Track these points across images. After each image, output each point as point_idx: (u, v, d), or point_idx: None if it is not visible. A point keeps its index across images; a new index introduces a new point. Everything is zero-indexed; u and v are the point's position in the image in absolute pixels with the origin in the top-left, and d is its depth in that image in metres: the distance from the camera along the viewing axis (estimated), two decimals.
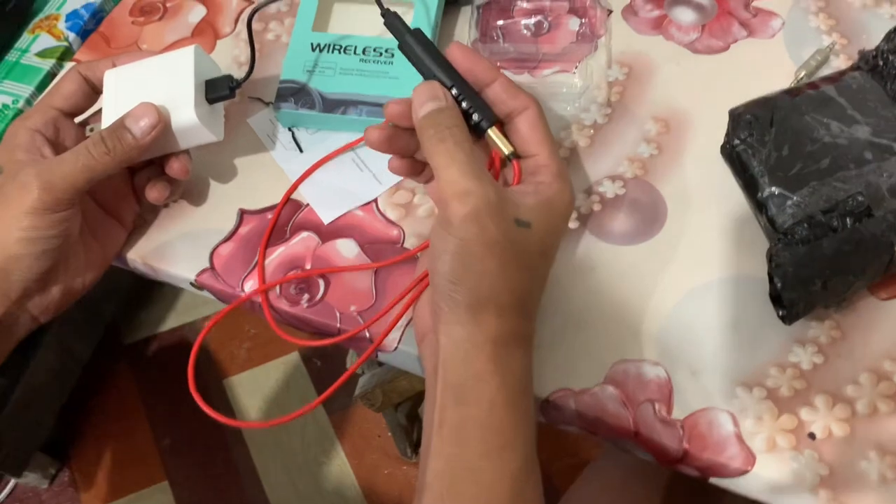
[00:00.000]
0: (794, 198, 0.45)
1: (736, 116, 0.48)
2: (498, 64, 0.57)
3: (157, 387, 1.28)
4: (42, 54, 0.75)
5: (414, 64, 0.44)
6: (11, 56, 0.75)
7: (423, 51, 0.44)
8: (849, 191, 0.44)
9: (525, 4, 0.59)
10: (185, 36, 0.63)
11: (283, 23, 0.62)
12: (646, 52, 0.57)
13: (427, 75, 0.43)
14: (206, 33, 0.62)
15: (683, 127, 0.53)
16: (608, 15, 0.59)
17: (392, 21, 0.45)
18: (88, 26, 0.77)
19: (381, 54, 0.55)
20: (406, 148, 0.45)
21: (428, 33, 0.55)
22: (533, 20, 0.59)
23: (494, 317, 0.38)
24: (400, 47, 0.44)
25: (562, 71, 0.57)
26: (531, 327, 0.42)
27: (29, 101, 0.72)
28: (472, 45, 0.57)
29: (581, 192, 0.51)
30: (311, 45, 0.56)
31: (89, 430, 1.24)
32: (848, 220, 0.43)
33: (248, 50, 0.57)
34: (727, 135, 0.49)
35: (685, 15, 0.58)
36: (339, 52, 0.55)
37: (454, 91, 0.43)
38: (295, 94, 0.55)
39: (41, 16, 0.78)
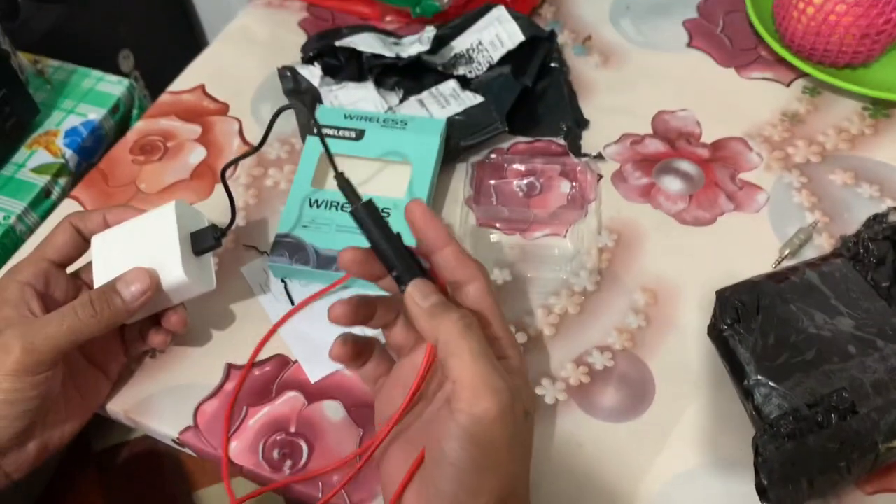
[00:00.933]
0: (780, 389, 0.45)
1: (723, 300, 0.49)
2: (497, 225, 0.58)
3: (124, 496, 1.24)
4: (38, 170, 0.76)
5: (361, 228, 0.42)
6: (7, 170, 0.76)
7: (370, 218, 0.42)
8: (833, 385, 0.45)
9: (518, 165, 0.61)
10: (183, 178, 0.64)
11: (283, 169, 0.63)
12: (635, 219, 0.58)
13: (373, 242, 0.42)
14: (205, 176, 0.64)
15: (671, 300, 0.54)
16: (598, 180, 0.61)
17: (343, 184, 0.44)
18: (87, 143, 0.78)
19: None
20: (373, 276, 0.44)
21: (425, 189, 0.57)
22: (525, 181, 0.61)
23: None
24: (351, 213, 0.43)
25: (553, 234, 0.58)
26: None
27: (20, 218, 0.72)
28: (466, 203, 0.59)
29: (570, 363, 0.52)
30: (310, 200, 0.57)
31: None
32: (833, 416, 0.44)
33: (247, 195, 0.59)
34: (714, 316, 0.50)
35: (673, 184, 0.60)
36: (337, 210, 0.56)
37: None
38: (290, 248, 0.55)
39: (40, 131, 0.79)
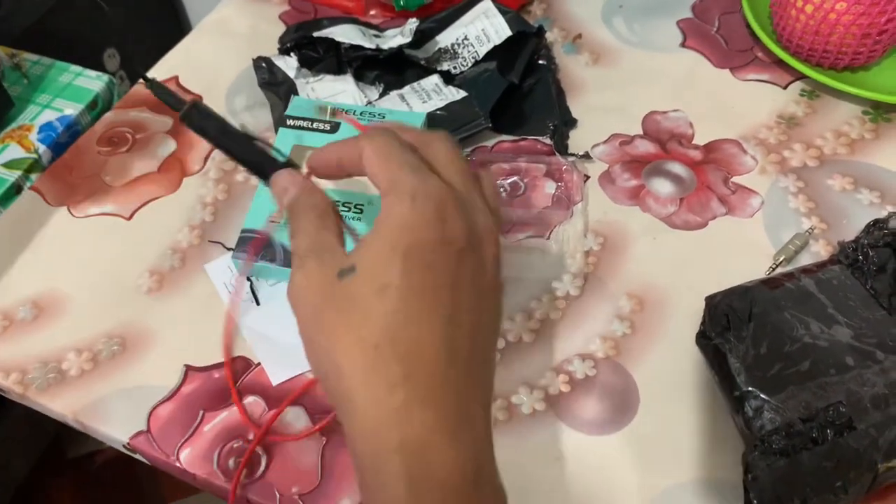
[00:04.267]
0: (772, 401, 0.42)
1: (713, 306, 0.46)
2: None
3: (98, 503, 1.20)
4: (9, 165, 0.73)
5: (201, 134, 0.39)
6: None
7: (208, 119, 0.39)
8: (829, 399, 0.42)
9: (502, 164, 0.58)
10: (150, 171, 0.61)
11: None
12: (622, 222, 0.56)
13: (220, 144, 0.39)
14: (173, 169, 0.61)
15: (658, 306, 0.51)
16: (585, 181, 0.58)
17: (160, 92, 0.40)
18: (62, 139, 0.75)
19: (349, 209, 0.53)
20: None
21: None
22: (509, 180, 0.58)
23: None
24: (181, 118, 0.39)
25: (536, 235, 0.55)
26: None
27: None
28: None
29: (550, 371, 0.49)
30: None
31: None
32: (828, 431, 0.41)
33: (217, 190, 0.56)
34: (703, 324, 0.47)
35: (663, 186, 0.57)
36: None
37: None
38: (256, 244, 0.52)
39: (13, 125, 0.76)
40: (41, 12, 1.08)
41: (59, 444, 1.23)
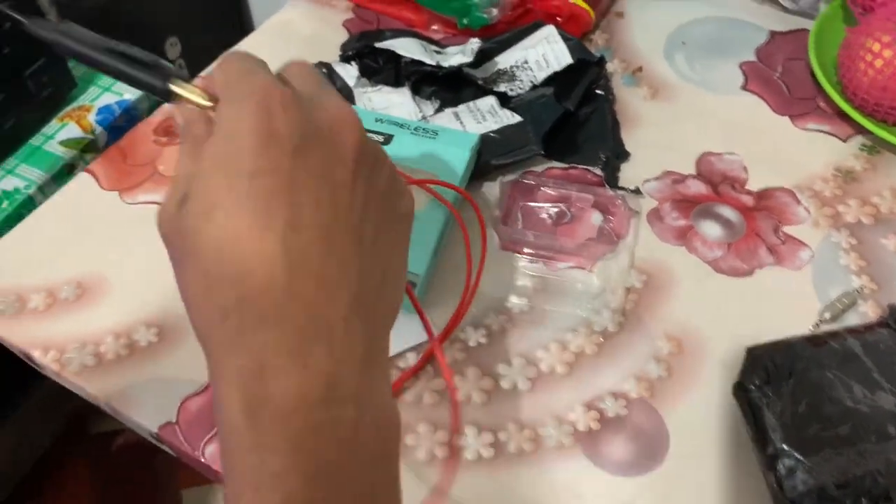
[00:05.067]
0: (807, 462, 0.41)
1: (754, 358, 0.45)
2: (521, 250, 0.55)
3: (114, 482, 1.22)
4: (66, 143, 0.74)
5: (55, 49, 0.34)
6: (36, 140, 0.74)
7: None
8: (867, 467, 0.41)
9: (550, 191, 0.58)
10: None
11: None
12: (667, 262, 0.55)
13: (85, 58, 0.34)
14: None
15: (697, 351, 0.50)
16: (633, 216, 0.57)
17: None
18: (118, 122, 0.77)
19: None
20: None
21: (448, 199, 0.54)
22: (555, 208, 0.57)
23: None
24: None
25: (578, 267, 0.55)
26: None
27: (41, 189, 0.71)
28: (492, 224, 0.56)
29: (580, 406, 0.48)
30: None
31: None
32: (863, 500, 0.40)
33: None
34: (742, 374, 0.46)
35: (712, 229, 0.57)
36: None
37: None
38: None
39: (74, 105, 0.78)
40: None
41: (82, 418, 1.25)
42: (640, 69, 0.68)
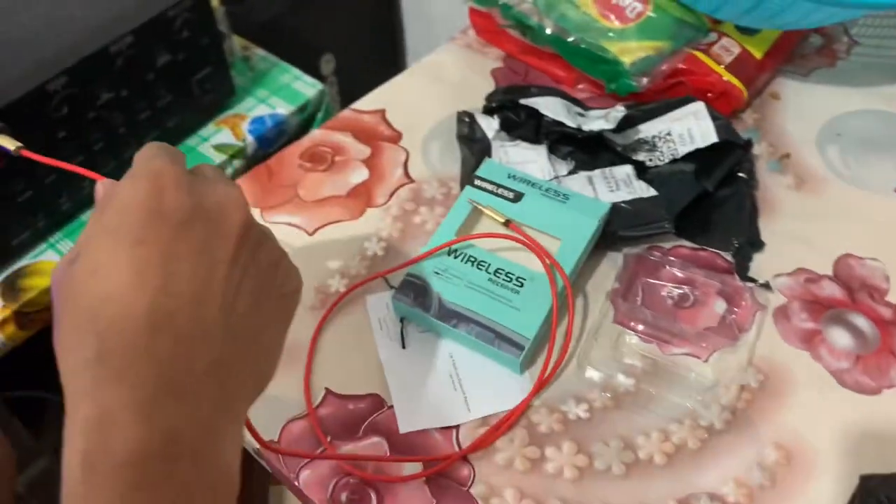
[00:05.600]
0: None
1: (868, 489, 0.43)
2: (636, 327, 0.54)
3: None
4: (219, 148, 0.80)
5: None
6: (192, 141, 0.80)
7: None
8: None
9: (675, 271, 0.57)
10: (340, 194, 0.64)
11: (434, 210, 0.63)
12: (788, 365, 0.53)
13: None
14: (360, 197, 0.64)
15: (807, 467, 0.48)
16: (759, 310, 0.55)
17: None
18: (268, 134, 0.82)
19: (510, 280, 0.54)
20: None
21: (567, 269, 0.54)
22: (678, 290, 0.56)
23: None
24: None
25: (693, 355, 0.53)
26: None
27: None
28: (610, 296, 0.55)
29: (673, 501, 0.47)
30: (449, 249, 0.56)
31: None
32: None
33: (393, 227, 0.58)
34: (851, 502, 0.44)
35: (842, 338, 0.54)
36: (472, 265, 0.55)
37: None
38: (416, 290, 0.54)
39: (230, 112, 0.83)
40: (278, 10, 1.18)
41: None
42: (787, 156, 0.66)
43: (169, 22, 0.70)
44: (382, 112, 0.71)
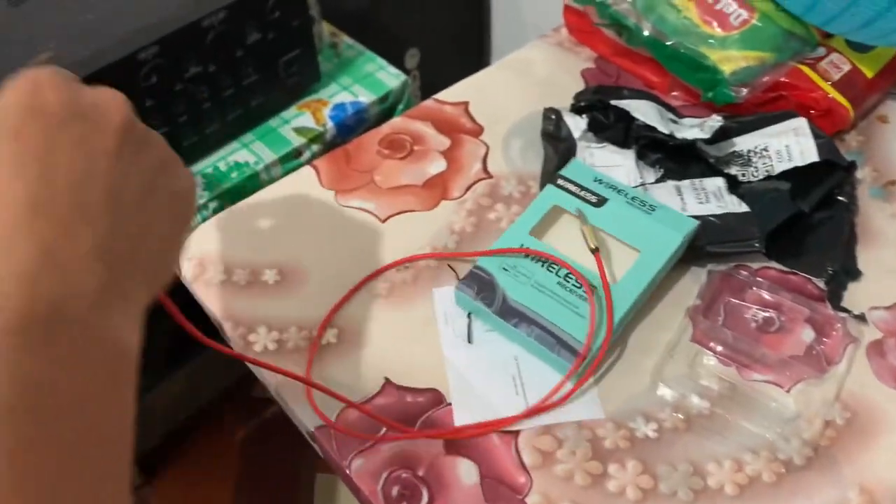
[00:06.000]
0: None
1: None
2: (715, 348, 0.51)
3: (257, 443, 1.29)
4: (299, 131, 0.80)
5: None
6: (274, 122, 0.80)
7: None
8: None
9: (762, 293, 0.54)
10: (415, 183, 0.63)
11: (510, 207, 0.61)
12: (880, 404, 0.49)
13: None
14: (435, 188, 0.62)
15: None
16: (851, 343, 0.51)
17: None
18: (348, 121, 0.81)
19: (580, 286, 0.51)
20: None
21: (643, 284, 0.51)
22: (764, 313, 0.53)
23: None
24: None
25: (775, 383, 0.50)
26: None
27: (267, 168, 0.76)
28: (689, 313, 0.52)
29: None
30: (521, 246, 0.54)
31: (180, 465, 1.26)
32: None
33: (467, 221, 0.56)
34: None
35: None
36: (542, 265, 0.52)
37: None
38: (481, 283, 0.52)
39: (313, 96, 0.83)
40: (370, 1, 1.18)
41: (248, 381, 1.33)
42: (893, 183, 0.62)
43: (262, 1, 0.71)
44: (465, 104, 0.69)
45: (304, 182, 0.64)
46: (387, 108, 0.85)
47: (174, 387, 1.13)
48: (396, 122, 0.69)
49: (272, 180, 0.75)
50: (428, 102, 0.70)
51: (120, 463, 0.30)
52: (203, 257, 0.58)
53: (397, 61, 1.21)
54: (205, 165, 0.75)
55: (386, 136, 0.67)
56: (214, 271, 0.57)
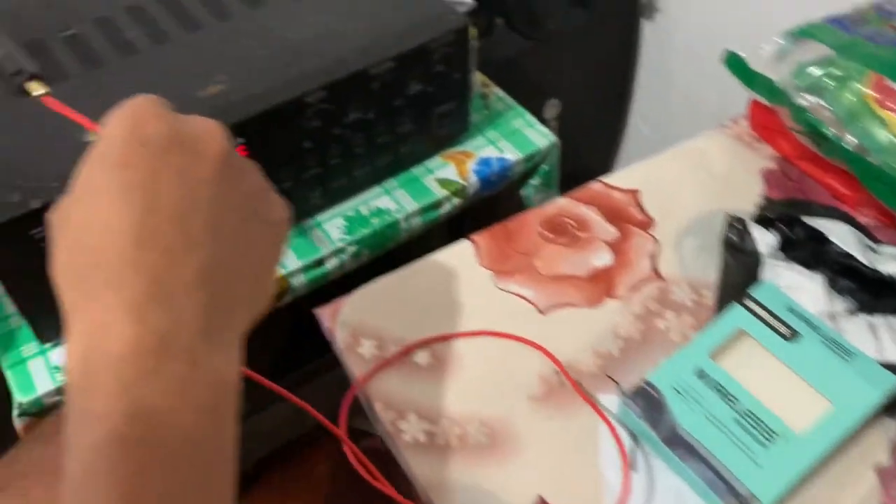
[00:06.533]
0: None
1: None
2: None
3: (348, 472, 1.28)
4: (442, 182, 0.78)
5: None
6: (418, 170, 0.79)
7: None
8: None
9: None
10: (580, 274, 0.60)
11: (680, 317, 0.57)
12: None
13: None
14: (600, 283, 0.59)
15: None
16: None
17: None
18: (492, 178, 0.80)
19: (758, 426, 0.47)
20: None
21: (831, 439, 0.47)
22: None
23: None
24: None
25: None
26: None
27: (408, 217, 0.75)
28: (879, 473, 0.47)
29: None
30: (698, 370, 0.50)
31: (278, 481, 1.26)
32: None
33: (634, 326, 0.53)
34: None
35: None
36: (719, 395, 0.49)
37: None
38: (649, 402, 0.49)
39: (459, 148, 0.81)
40: (518, 49, 1.16)
41: (354, 412, 1.33)
42: None
43: (429, 53, 0.70)
44: (635, 192, 0.66)
45: (462, 256, 0.62)
46: (531, 167, 0.83)
47: (287, 407, 1.14)
48: (562, 203, 0.66)
49: (410, 230, 0.74)
50: (594, 185, 0.67)
51: (223, 485, 0.31)
52: (356, 327, 0.57)
53: (536, 110, 1.19)
54: (347, 208, 0.74)
55: (549, 217, 0.65)
56: (368, 345, 0.56)
